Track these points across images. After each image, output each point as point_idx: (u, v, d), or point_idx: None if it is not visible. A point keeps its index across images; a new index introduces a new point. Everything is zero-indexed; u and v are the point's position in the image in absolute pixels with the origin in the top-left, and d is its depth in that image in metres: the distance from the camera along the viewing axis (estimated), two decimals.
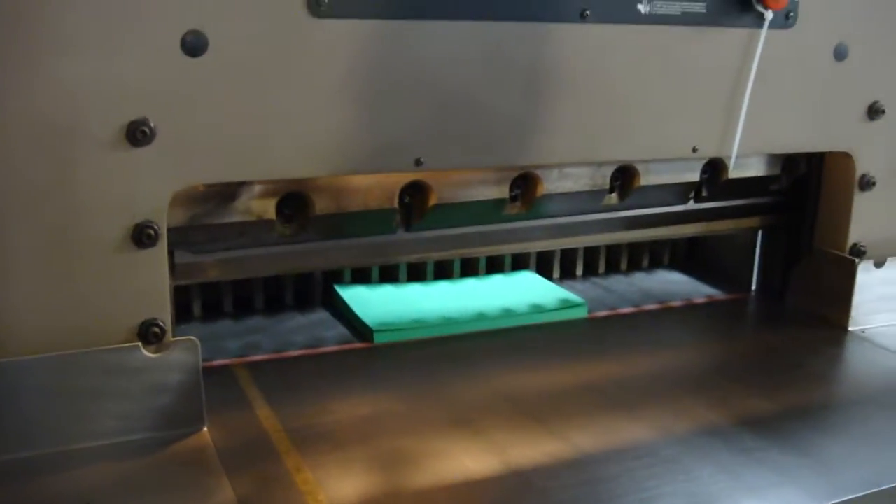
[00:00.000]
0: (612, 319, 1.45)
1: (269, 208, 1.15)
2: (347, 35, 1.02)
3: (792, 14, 1.25)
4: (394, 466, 0.97)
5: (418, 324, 1.33)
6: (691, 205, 1.48)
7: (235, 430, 1.04)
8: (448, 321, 1.34)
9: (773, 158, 1.48)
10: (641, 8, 1.16)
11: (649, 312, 1.49)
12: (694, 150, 1.26)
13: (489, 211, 1.31)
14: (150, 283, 0.99)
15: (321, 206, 1.18)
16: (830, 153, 1.42)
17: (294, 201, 1.18)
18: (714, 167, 1.44)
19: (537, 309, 1.41)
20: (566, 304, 1.42)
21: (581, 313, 1.43)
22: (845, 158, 1.39)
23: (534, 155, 1.18)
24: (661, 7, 1.17)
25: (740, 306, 1.56)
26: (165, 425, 1.01)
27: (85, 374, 0.97)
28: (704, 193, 1.47)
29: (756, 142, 1.29)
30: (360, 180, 1.19)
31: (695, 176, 1.42)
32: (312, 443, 1.01)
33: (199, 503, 0.90)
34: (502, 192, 1.29)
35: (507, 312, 1.39)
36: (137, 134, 0.94)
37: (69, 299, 0.96)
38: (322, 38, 1.01)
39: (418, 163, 1.10)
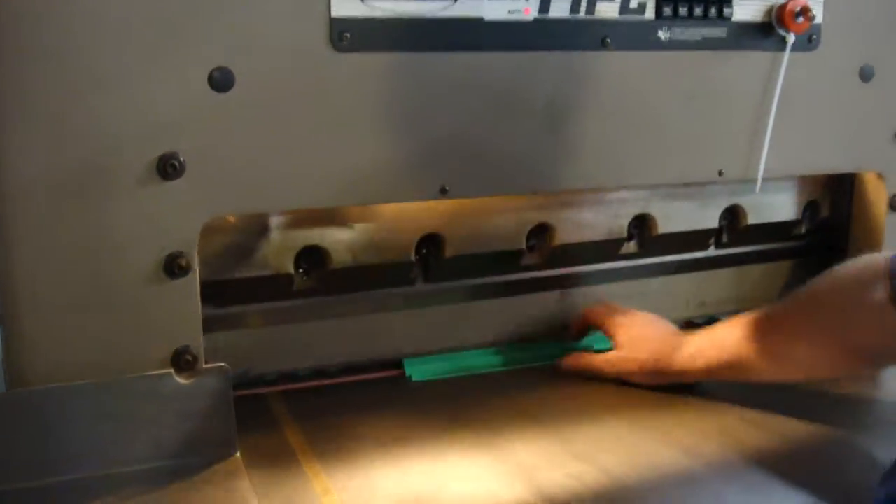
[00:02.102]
0: None
1: (287, 262, 1.18)
2: (370, 68, 1.05)
3: (815, 36, 1.26)
4: (420, 489, 0.99)
5: (456, 362, 1.33)
6: (711, 251, 1.48)
7: (267, 455, 1.06)
8: (486, 358, 1.35)
9: (795, 202, 1.48)
10: (662, 35, 1.18)
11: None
12: (720, 173, 1.26)
13: (506, 262, 1.32)
14: (182, 311, 1.02)
15: (339, 259, 1.20)
16: (861, 174, 1.42)
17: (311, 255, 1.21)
18: (733, 214, 1.45)
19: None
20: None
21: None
22: (876, 179, 1.39)
23: (559, 181, 1.20)
24: (681, 33, 1.18)
25: None
26: (197, 450, 1.02)
27: (118, 401, 0.99)
28: (725, 240, 1.48)
29: (783, 163, 1.29)
30: (377, 233, 1.22)
31: (714, 222, 1.43)
32: (342, 466, 1.03)
33: None
34: (519, 242, 1.31)
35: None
36: (168, 168, 0.97)
37: (103, 328, 0.99)
38: (345, 72, 1.04)
39: (443, 191, 1.12)
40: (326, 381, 1.27)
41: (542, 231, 1.33)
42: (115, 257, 0.98)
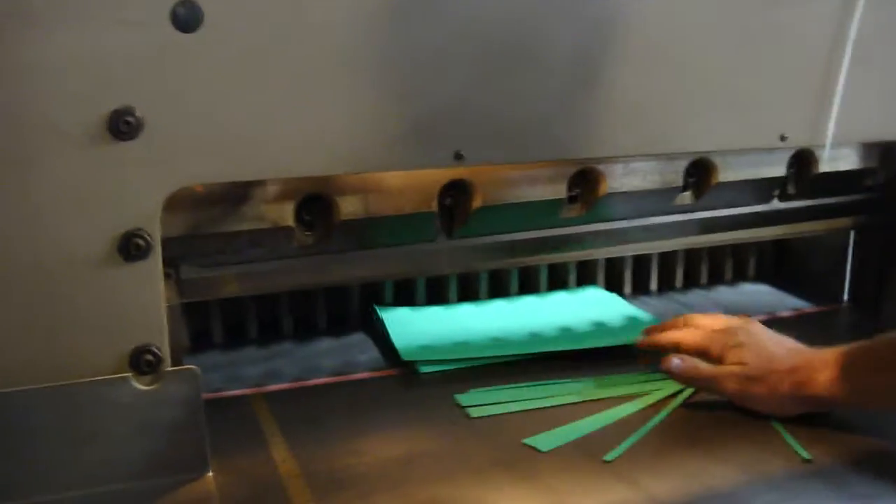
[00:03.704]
0: None
1: (287, 214, 1.00)
2: (375, 4, 0.87)
3: None
4: None
5: (463, 350, 1.16)
6: (775, 204, 1.30)
7: (245, 476, 0.88)
8: (498, 346, 1.18)
9: (869, 149, 1.29)
10: None
11: None
12: (782, 138, 1.08)
13: (544, 214, 1.14)
14: (142, 302, 0.84)
15: (347, 210, 1.02)
16: None
17: (315, 205, 1.03)
18: (802, 160, 1.26)
19: (603, 330, 1.23)
20: (637, 325, 1.24)
21: None
22: None
23: (593, 147, 1.02)
24: None
25: (830, 319, 1.37)
26: (161, 471, 0.85)
27: (66, 412, 0.82)
28: (791, 190, 1.29)
29: (854, 127, 1.11)
30: (392, 180, 1.04)
31: (780, 170, 1.24)
32: (334, 492, 0.85)
33: None
34: (559, 191, 1.13)
35: (569, 335, 1.22)
36: (121, 125, 0.79)
37: (45, 324, 0.81)
38: (343, 9, 0.85)
39: (458, 157, 0.93)
40: (319, 381, 1.09)
41: (585, 179, 1.16)
42: (59, 237, 0.80)
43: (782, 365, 0.98)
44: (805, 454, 0.92)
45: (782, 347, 1.02)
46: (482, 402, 1.03)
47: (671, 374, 1.05)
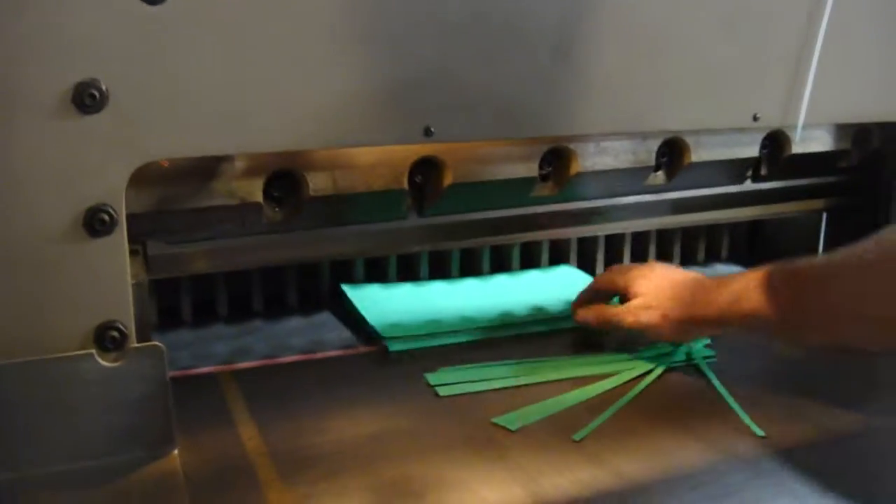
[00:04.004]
0: None
1: (255, 190, 0.99)
2: None
3: None
4: (399, 500, 0.80)
5: (435, 328, 1.15)
6: (748, 185, 1.30)
7: (212, 454, 0.87)
8: (470, 324, 1.17)
9: (843, 131, 1.29)
10: None
11: None
12: (755, 118, 1.08)
13: (515, 192, 1.14)
14: (107, 278, 0.83)
15: (316, 186, 1.01)
16: None
17: (284, 181, 1.02)
18: (775, 141, 1.26)
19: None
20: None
21: None
22: None
23: (565, 125, 1.01)
24: None
25: None
26: (127, 448, 0.84)
27: (28, 389, 0.81)
28: (763, 171, 1.29)
29: (828, 108, 1.11)
30: (362, 156, 1.03)
31: (753, 151, 1.23)
32: (301, 470, 0.84)
33: None
34: (531, 169, 1.12)
35: (540, 314, 1.22)
36: (85, 98, 0.78)
37: (8, 299, 0.80)
38: None
39: (428, 132, 0.92)
40: (288, 359, 1.08)
41: (556, 157, 1.16)
42: (21, 211, 0.79)
43: (677, 291, 1.03)
44: (759, 431, 0.93)
45: (683, 277, 1.06)
46: (451, 380, 1.03)
47: (584, 324, 1.11)
